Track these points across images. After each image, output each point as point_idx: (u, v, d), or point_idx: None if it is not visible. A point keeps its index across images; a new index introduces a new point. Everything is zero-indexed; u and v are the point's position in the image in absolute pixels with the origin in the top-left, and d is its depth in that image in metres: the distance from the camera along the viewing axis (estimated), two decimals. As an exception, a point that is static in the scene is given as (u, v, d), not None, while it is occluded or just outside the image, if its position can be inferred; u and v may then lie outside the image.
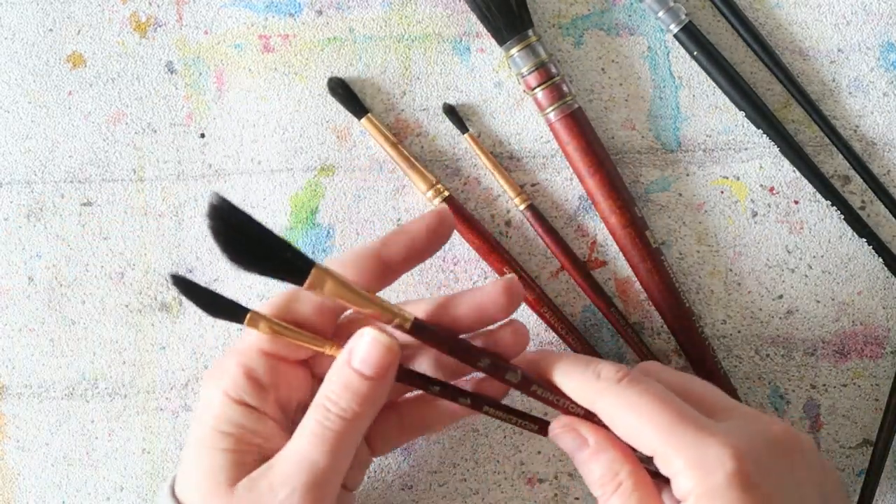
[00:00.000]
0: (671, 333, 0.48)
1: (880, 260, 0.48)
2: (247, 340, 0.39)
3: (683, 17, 0.47)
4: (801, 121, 0.49)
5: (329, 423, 0.37)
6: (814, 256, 0.49)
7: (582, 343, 0.48)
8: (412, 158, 0.48)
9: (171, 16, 0.49)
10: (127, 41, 0.49)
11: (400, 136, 0.49)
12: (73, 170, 0.49)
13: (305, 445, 0.37)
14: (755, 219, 0.49)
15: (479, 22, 0.48)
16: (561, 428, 0.39)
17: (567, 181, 0.49)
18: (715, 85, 0.48)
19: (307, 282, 0.35)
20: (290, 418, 0.40)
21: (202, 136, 0.49)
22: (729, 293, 0.49)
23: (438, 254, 0.49)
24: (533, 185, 0.49)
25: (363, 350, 0.37)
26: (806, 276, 0.49)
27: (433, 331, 0.38)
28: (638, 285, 0.48)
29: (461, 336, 0.39)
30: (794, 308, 0.49)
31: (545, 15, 0.49)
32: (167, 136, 0.49)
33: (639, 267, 0.48)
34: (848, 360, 0.49)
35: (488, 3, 0.46)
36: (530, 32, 0.47)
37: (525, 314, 0.49)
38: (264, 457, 0.38)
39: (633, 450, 0.37)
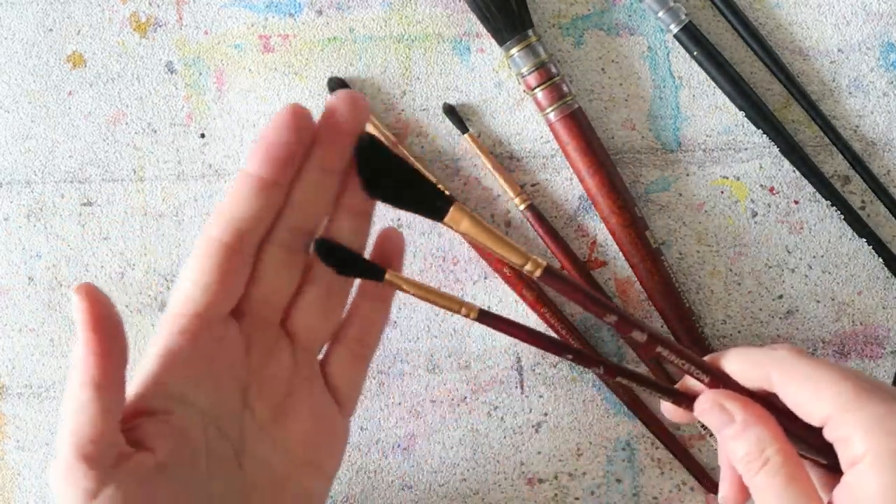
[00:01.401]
0: (671, 333, 0.48)
1: (880, 260, 0.48)
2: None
3: (683, 17, 0.47)
4: (801, 121, 0.49)
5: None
6: (814, 256, 0.49)
7: (582, 343, 0.48)
8: (412, 158, 0.48)
9: (171, 16, 0.49)
10: (127, 41, 0.50)
11: (400, 136, 0.49)
12: (73, 170, 0.49)
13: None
14: (755, 219, 0.49)
15: (479, 22, 0.48)
16: (709, 404, 0.37)
17: (567, 181, 0.49)
18: (715, 85, 0.48)
19: (447, 217, 0.36)
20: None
21: (202, 136, 0.49)
22: (729, 293, 0.49)
23: (438, 254, 0.49)
24: (533, 185, 0.49)
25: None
26: (806, 276, 0.49)
27: (564, 277, 0.37)
28: (638, 285, 0.48)
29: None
30: (794, 308, 0.49)
31: (545, 15, 0.49)
32: (167, 136, 0.49)
33: (639, 267, 0.48)
34: (848, 360, 0.49)
35: (488, 3, 0.46)
36: (530, 32, 0.47)
37: (525, 314, 0.49)
38: None
39: (785, 429, 0.37)
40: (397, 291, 0.39)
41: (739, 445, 0.36)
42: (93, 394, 0.32)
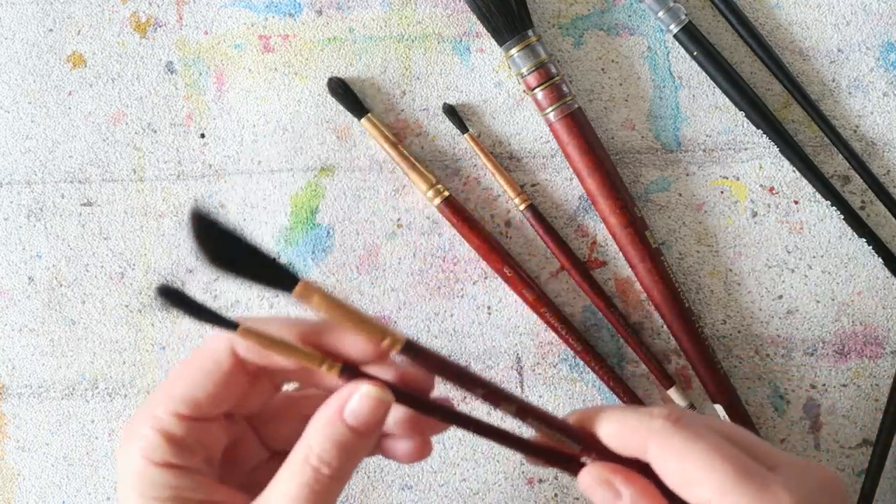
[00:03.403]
0: (671, 333, 0.48)
1: (880, 260, 0.48)
2: (160, 399, 0.37)
3: (683, 17, 0.47)
4: (801, 121, 0.49)
5: (318, 485, 0.35)
6: (814, 256, 0.49)
7: (582, 343, 0.48)
8: (412, 158, 0.48)
9: (171, 16, 0.49)
10: (127, 41, 0.50)
11: (400, 136, 0.49)
12: (73, 170, 0.49)
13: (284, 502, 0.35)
14: (755, 219, 0.49)
15: (479, 22, 0.48)
16: (594, 479, 0.36)
17: (567, 181, 0.49)
18: (715, 85, 0.48)
19: (295, 291, 0.34)
20: (217, 469, 0.38)
21: (202, 136, 0.49)
22: (729, 293, 0.49)
23: (438, 254, 0.49)
24: (533, 185, 0.49)
25: (360, 407, 0.35)
26: (806, 276, 0.49)
27: (425, 352, 0.36)
28: (638, 285, 0.48)
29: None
30: (794, 308, 0.49)
31: (545, 15, 0.49)
32: (167, 136, 0.49)
33: (639, 267, 0.48)
34: (848, 360, 0.49)
35: (488, 3, 0.46)
36: (530, 32, 0.47)
37: (525, 314, 0.49)
38: None
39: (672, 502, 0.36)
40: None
41: None
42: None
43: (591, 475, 0.36)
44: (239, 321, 0.34)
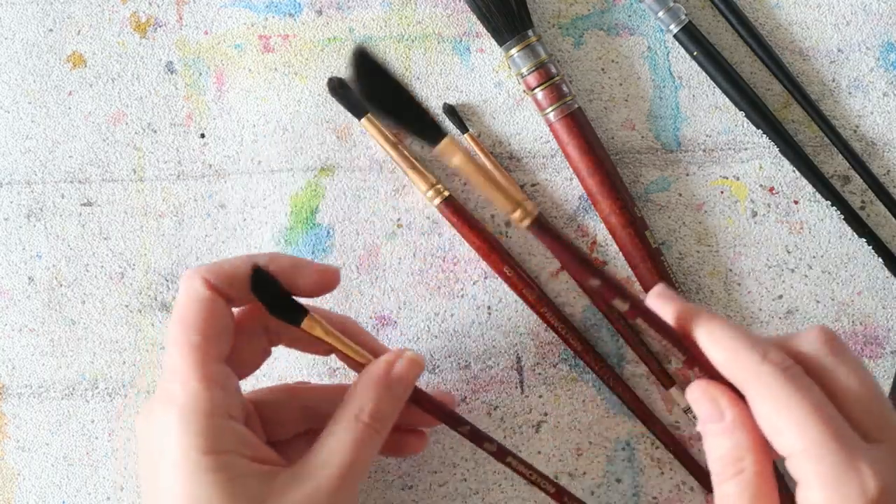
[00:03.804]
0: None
1: (880, 260, 0.48)
2: (192, 355, 0.37)
3: (683, 17, 0.47)
4: (801, 121, 0.49)
5: (367, 437, 0.38)
6: (814, 256, 0.49)
7: (582, 343, 0.48)
8: (412, 158, 0.48)
9: (171, 16, 0.49)
10: (127, 41, 0.49)
11: (400, 136, 0.49)
12: (73, 170, 0.49)
13: (346, 460, 0.37)
14: (755, 219, 0.49)
15: (479, 22, 0.48)
16: (701, 393, 0.37)
17: (567, 181, 0.49)
18: (715, 85, 0.48)
19: (439, 147, 0.35)
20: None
21: (202, 136, 0.49)
22: (729, 293, 0.49)
23: (438, 254, 0.49)
24: (533, 185, 0.49)
25: (404, 366, 0.40)
26: (806, 276, 0.49)
27: (553, 230, 0.35)
28: (638, 285, 0.48)
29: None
30: (794, 308, 0.49)
31: (545, 15, 0.49)
32: (167, 136, 0.49)
33: (639, 267, 0.48)
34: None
35: (488, 3, 0.46)
36: (530, 32, 0.47)
37: (525, 314, 0.49)
38: (271, 470, 0.37)
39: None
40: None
41: (719, 444, 0.36)
42: None
43: (700, 389, 0.37)
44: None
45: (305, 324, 0.39)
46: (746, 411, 0.35)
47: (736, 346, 0.35)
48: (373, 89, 0.35)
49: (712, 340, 0.36)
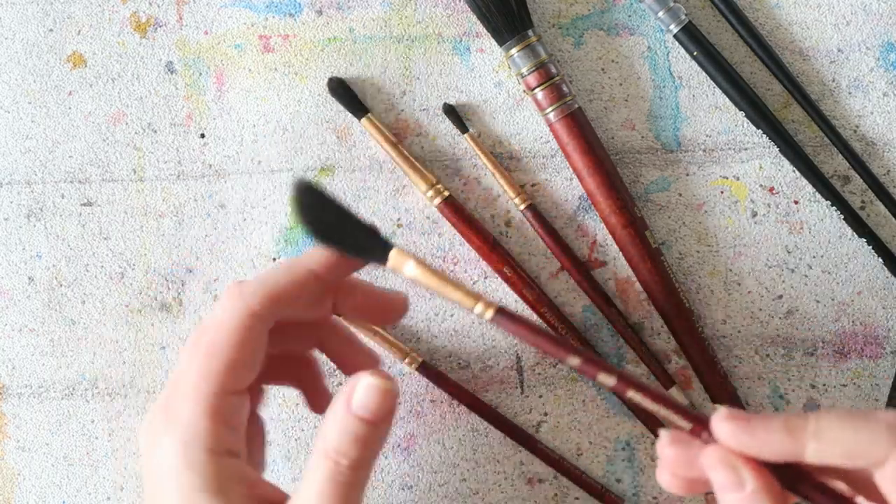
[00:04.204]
0: (671, 333, 0.48)
1: (880, 260, 0.48)
2: (203, 383, 0.36)
3: (683, 17, 0.47)
4: (801, 121, 0.49)
5: (341, 476, 0.36)
6: (814, 256, 0.49)
7: (582, 343, 0.48)
8: (412, 158, 0.48)
9: (171, 16, 0.49)
10: (127, 41, 0.50)
11: (400, 136, 0.49)
12: (73, 170, 0.49)
13: (317, 499, 0.36)
14: (755, 219, 0.49)
15: (479, 22, 0.48)
16: (718, 460, 0.34)
17: (567, 181, 0.49)
18: (715, 85, 0.48)
19: (390, 263, 0.35)
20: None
21: (202, 136, 0.49)
22: (729, 293, 0.49)
23: (438, 254, 0.49)
24: (533, 185, 0.49)
25: (361, 396, 0.36)
26: (806, 276, 0.49)
27: (519, 318, 0.35)
28: (638, 285, 0.48)
29: None
30: (793, 308, 0.49)
31: (545, 15, 0.49)
32: (167, 136, 0.49)
33: (639, 267, 0.48)
34: (848, 360, 0.49)
35: (488, 3, 0.46)
36: (530, 32, 0.47)
37: (525, 314, 0.49)
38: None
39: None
40: None
41: None
42: None
43: (718, 455, 0.34)
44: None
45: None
46: (769, 479, 0.34)
47: (858, 438, 0.33)
48: (316, 222, 0.35)
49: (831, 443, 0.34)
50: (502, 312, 0.35)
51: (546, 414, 0.49)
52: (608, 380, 0.35)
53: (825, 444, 0.33)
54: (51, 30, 0.50)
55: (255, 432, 0.41)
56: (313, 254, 0.38)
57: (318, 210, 0.35)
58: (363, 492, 0.37)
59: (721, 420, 0.34)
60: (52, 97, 0.50)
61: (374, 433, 0.36)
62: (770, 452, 0.34)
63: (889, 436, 0.33)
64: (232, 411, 0.37)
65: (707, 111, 0.49)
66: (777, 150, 0.48)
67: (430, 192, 0.48)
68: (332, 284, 0.39)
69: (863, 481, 0.34)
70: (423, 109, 0.49)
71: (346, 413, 0.36)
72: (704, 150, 0.49)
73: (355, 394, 0.36)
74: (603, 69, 0.49)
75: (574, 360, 0.35)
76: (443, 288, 0.35)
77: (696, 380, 0.49)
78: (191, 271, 0.49)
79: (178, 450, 0.36)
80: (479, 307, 0.35)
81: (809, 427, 0.33)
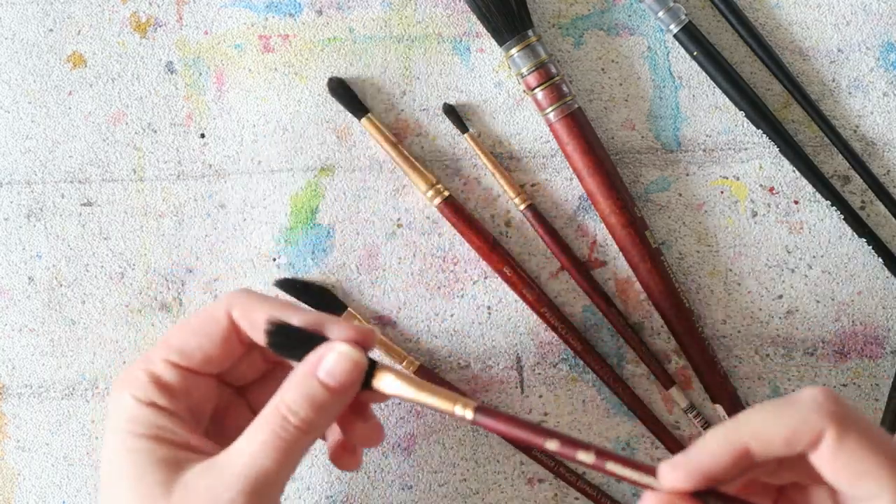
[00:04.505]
0: (671, 333, 0.48)
1: (880, 260, 0.48)
2: (157, 348, 0.39)
3: (683, 17, 0.47)
4: (801, 121, 0.49)
5: (284, 433, 0.37)
6: (814, 256, 0.49)
7: (582, 343, 0.48)
8: (412, 158, 0.48)
9: (171, 16, 0.49)
10: (127, 41, 0.49)
11: (400, 136, 0.49)
12: (73, 170, 0.49)
13: (256, 450, 0.36)
14: (755, 219, 0.49)
15: (479, 22, 0.48)
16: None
17: (567, 181, 0.49)
18: (715, 85, 0.48)
19: (373, 382, 0.38)
20: (203, 425, 0.40)
21: (202, 136, 0.49)
22: (729, 293, 0.49)
23: (438, 254, 0.49)
24: (533, 185, 0.49)
25: (332, 362, 0.37)
26: (806, 276, 0.49)
27: (496, 413, 0.37)
28: (638, 285, 0.48)
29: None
30: (794, 308, 0.49)
31: (545, 15, 0.49)
32: (167, 136, 0.49)
33: (639, 267, 0.48)
34: (848, 360, 0.48)
35: (488, 3, 0.46)
36: (530, 32, 0.47)
37: (525, 314, 0.49)
38: (188, 458, 0.37)
39: None
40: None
41: None
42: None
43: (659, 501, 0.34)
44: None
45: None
46: None
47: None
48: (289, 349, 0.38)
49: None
50: (481, 411, 0.37)
51: (546, 414, 0.49)
52: (587, 457, 0.35)
53: (763, 441, 0.33)
54: (51, 30, 0.50)
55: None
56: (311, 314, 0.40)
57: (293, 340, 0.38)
58: (301, 457, 0.38)
59: (664, 472, 0.34)
60: (52, 97, 0.50)
61: (332, 401, 0.37)
62: (725, 471, 0.33)
63: (816, 413, 0.32)
64: (172, 380, 0.39)
65: (707, 111, 0.49)
66: (777, 150, 0.48)
67: (430, 192, 0.48)
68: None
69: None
70: (423, 109, 0.49)
71: (310, 375, 0.37)
72: (704, 150, 0.49)
73: (325, 359, 0.37)
74: (603, 69, 0.49)
75: (552, 444, 0.36)
76: (422, 395, 0.37)
77: (696, 380, 0.49)
78: (191, 271, 0.49)
79: (114, 395, 0.39)
80: (458, 408, 0.37)
81: (742, 431, 0.33)
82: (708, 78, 0.48)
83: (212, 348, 0.39)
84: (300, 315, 0.39)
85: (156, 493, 0.36)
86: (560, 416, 0.49)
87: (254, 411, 0.42)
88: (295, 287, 0.47)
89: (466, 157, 0.49)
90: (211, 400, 0.40)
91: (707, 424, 0.48)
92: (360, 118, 0.48)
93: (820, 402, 0.33)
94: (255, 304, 0.39)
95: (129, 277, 0.49)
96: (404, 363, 0.48)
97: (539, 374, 0.49)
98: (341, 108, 0.49)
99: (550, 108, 0.47)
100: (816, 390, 0.33)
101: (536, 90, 0.47)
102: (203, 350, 0.39)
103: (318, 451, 0.49)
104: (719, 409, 0.48)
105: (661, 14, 0.47)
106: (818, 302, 0.49)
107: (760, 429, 0.33)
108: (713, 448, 0.33)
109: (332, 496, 0.49)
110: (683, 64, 0.49)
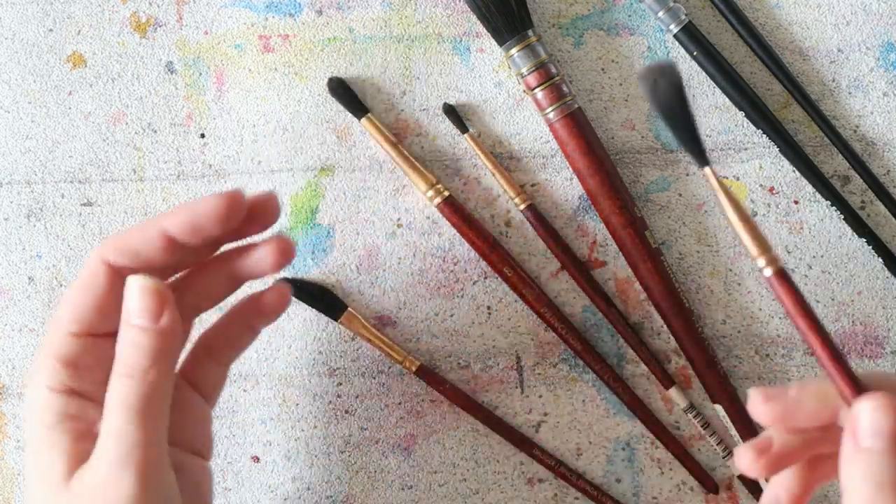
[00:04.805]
0: (671, 333, 0.48)
1: (880, 260, 0.48)
2: (52, 329, 0.38)
3: (683, 17, 0.47)
4: (801, 121, 0.49)
5: (129, 389, 0.36)
6: (814, 256, 0.49)
7: (582, 343, 0.48)
8: (412, 158, 0.48)
9: (171, 16, 0.49)
10: (127, 41, 0.50)
11: (400, 136, 0.49)
12: (73, 170, 0.49)
13: (114, 420, 0.35)
14: (755, 219, 0.49)
15: (479, 22, 0.48)
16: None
17: (567, 181, 0.49)
18: (715, 85, 0.48)
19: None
20: None
21: (202, 136, 0.49)
22: (729, 293, 0.49)
23: (438, 254, 0.49)
24: (533, 185, 0.49)
25: (133, 302, 0.36)
26: (806, 276, 0.49)
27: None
28: (638, 285, 0.48)
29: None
30: (794, 308, 0.49)
31: (545, 15, 0.49)
32: (167, 136, 0.49)
33: (639, 267, 0.48)
34: (848, 360, 0.48)
35: (488, 3, 0.46)
36: (530, 32, 0.47)
37: (525, 314, 0.49)
38: (91, 448, 0.37)
39: None
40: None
41: None
42: None
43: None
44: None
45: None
46: None
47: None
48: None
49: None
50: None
51: (546, 414, 0.49)
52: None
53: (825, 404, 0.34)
54: (51, 30, 0.50)
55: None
56: (173, 214, 0.37)
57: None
58: (163, 409, 0.37)
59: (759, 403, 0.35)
60: (52, 97, 0.50)
61: (156, 340, 0.36)
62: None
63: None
64: (77, 352, 0.37)
65: (707, 111, 0.49)
66: (777, 150, 0.48)
67: (430, 192, 0.48)
68: (191, 244, 0.38)
69: None
70: (423, 109, 0.49)
71: (126, 327, 0.36)
72: (704, 150, 0.49)
73: (127, 303, 0.36)
74: (603, 69, 0.49)
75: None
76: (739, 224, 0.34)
77: (696, 380, 0.49)
78: (191, 271, 0.49)
79: (27, 390, 0.38)
80: (761, 260, 0.34)
81: (822, 391, 0.34)
82: (708, 78, 0.48)
83: (102, 301, 0.37)
84: (169, 218, 0.37)
85: (59, 489, 0.36)
86: (560, 416, 0.49)
87: (201, 392, 0.42)
88: (295, 287, 0.47)
89: (466, 157, 0.49)
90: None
91: (707, 424, 0.48)
92: (360, 118, 0.48)
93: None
94: (123, 238, 0.37)
95: (129, 277, 0.49)
96: (404, 363, 0.48)
97: (539, 374, 0.49)
98: (341, 108, 0.49)
99: (550, 108, 0.47)
100: None
101: (536, 90, 0.47)
102: (95, 306, 0.37)
103: (318, 451, 0.49)
104: (719, 409, 0.48)
105: (661, 14, 0.47)
106: (818, 302, 0.49)
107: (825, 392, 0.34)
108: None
109: (332, 496, 0.49)
110: (683, 64, 0.49)
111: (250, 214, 0.38)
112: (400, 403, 0.49)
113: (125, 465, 0.35)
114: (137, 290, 0.36)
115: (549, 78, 0.47)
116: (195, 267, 0.41)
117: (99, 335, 0.38)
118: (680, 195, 0.49)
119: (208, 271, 0.40)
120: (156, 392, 0.36)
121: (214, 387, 0.42)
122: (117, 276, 0.37)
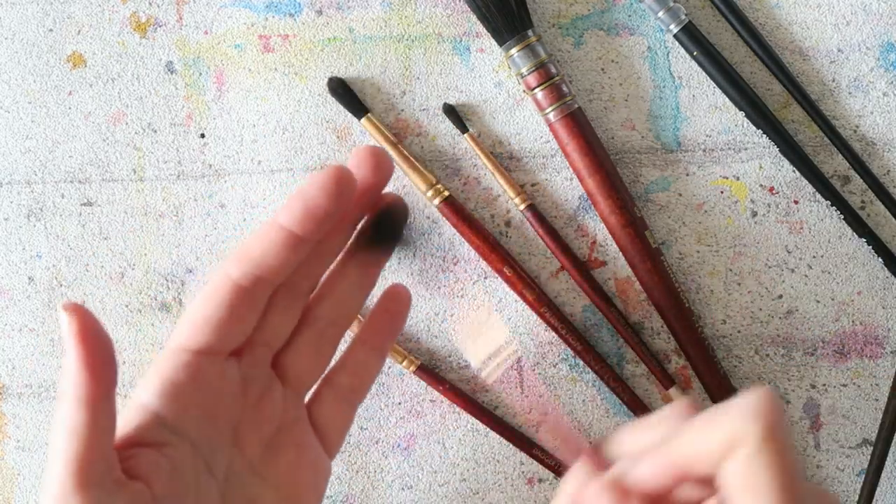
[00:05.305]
0: (671, 333, 0.48)
1: (880, 260, 0.48)
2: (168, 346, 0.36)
3: (683, 17, 0.47)
4: (801, 121, 0.49)
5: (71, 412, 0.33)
6: (814, 256, 0.49)
7: (582, 343, 0.48)
8: (412, 158, 0.48)
9: (171, 16, 0.49)
10: (127, 41, 0.50)
11: (400, 136, 0.49)
12: (73, 170, 0.49)
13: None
14: (755, 219, 0.49)
15: (479, 22, 0.48)
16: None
17: (567, 181, 0.49)
18: (715, 85, 0.48)
19: None
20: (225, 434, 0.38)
21: (202, 136, 0.49)
22: (729, 293, 0.49)
23: (438, 254, 0.49)
24: (533, 185, 0.49)
25: (64, 325, 0.33)
26: (806, 276, 0.49)
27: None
28: (638, 285, 0.48)
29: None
30: (793, 308, 0.49)
31: (545, 15, 0.49)
32: (167, 136, 0.49)
33: (639, 267, 0.48)
34: (848, 360, 0.49)
35: (488, 3, 0.46)
36: (530, 32, 0.47)
37: (525, 314, 0.49)
38: None
39: None
40: None
41: None
42: (87, 412, 0.32)
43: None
44: None
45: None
46: None
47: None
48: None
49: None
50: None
51: (546, 414, 0.49)
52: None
53: (700, 461, 0.31)
54: (51, 30, 0.50)
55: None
56: (285, 208, 0.36)
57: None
58: (111, 404, 0.33)
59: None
60: (52, 97, 0.50)
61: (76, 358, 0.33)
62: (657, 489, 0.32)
63: (749, 423, 0.29)
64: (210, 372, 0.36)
65: (707, 111, 0.49)
66: (777, 150, 0.48)
67: (430, 192, 0.48)
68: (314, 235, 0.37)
69: None
70: (423, 109, 0.49)
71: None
72: (704, 150, 0.49)
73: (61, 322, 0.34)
74: (603, 69, 0.49)
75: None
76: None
77: (696, 380, 0.49)
78: (191, 271, 0.49)
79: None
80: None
81: (677, 453, 0.31)
82: (708, 78, 0.48)
83: (217, 316, 0.36)
84: (282, 214, 0.36)
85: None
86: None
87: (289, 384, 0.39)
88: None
89: (466, 157, 0.49)
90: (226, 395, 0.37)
91: (707, 424, 0.48)
92: (359, 118, 0.48)
93: (753, 410, 0.29)
94: (242, 249, 0.36)
95: (129, 277, 0.49)
96: (404, 363, 0.48)
97: (539, 374, 0.49)
98: (341, 108, 0.49)
99: (550, 108, 0.47)
100: (752, 395, 0.30)
101: (536, 90, 0.47)
102: (218, 325, 0.36)
103: (318, 451, 0.49)
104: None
105: (661, 14, 0.47)
106: (818, 302, 0.49)
107: (695, 449, 0.30)
108: (648, 473, 0.31)
109: (332, 496, 0.49)
110: (683, 64, 0.49)
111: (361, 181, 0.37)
112: (400, 403, 0.49)
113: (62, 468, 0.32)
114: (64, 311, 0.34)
115: (549, 78, 0.47)
116: (326, 278, 0.40)
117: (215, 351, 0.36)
118: (680, 195, 0.49)
119: (337, 274, 0.40)
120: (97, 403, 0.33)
121: (337, 431, 0.40)
122: (243, 294, 0.36)
